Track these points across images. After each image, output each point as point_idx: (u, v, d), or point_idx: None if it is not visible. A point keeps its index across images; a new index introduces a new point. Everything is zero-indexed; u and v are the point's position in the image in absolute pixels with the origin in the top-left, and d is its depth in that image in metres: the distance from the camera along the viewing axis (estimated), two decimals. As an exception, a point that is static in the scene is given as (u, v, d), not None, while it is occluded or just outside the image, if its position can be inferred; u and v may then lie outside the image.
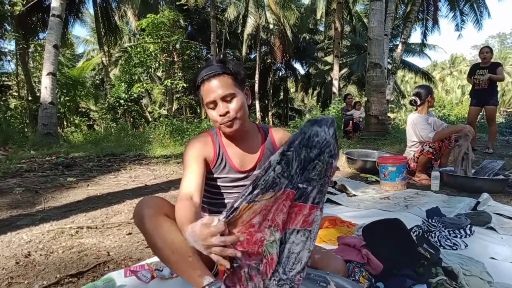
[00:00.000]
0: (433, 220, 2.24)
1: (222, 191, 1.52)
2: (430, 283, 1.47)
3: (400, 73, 31.06)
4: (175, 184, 3.47)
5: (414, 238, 1.75)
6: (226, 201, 1.52)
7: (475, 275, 1.57)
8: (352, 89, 25.90)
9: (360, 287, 1.24)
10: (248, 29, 20.48)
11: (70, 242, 2.04)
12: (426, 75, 23.29)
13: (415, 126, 3.72)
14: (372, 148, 6.13)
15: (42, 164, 4.86)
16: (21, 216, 2.53)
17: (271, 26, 21.24)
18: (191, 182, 1.36)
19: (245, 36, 20.94)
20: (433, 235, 2.03)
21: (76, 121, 15.28)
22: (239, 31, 22.71)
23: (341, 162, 4.58)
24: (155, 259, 1.77)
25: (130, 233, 2.19)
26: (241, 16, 21.64)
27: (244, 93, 1.43)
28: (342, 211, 2.67)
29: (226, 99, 1.35)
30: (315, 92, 28.00)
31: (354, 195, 3.16)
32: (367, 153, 4.77)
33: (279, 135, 1.57)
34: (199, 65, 16.74)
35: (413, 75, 30.25)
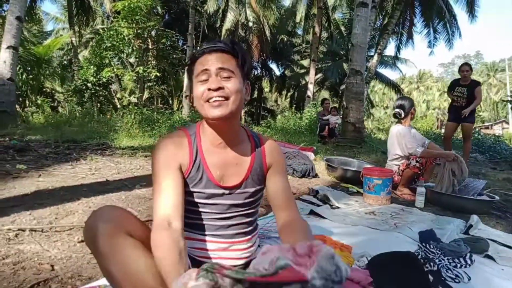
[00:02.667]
0: (431, 246, 2.03)
1: (198, 209, 1.20)
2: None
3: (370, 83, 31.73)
4: (141, 181, 3.09)
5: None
6: (204, 222, 1.20)
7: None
8: (325, 94, 26.14)
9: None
10: (227, 24, 20.12)
11: (6, 249, 1.65)
12: (395, 87, 23.85)
13: (402, 138, 3.55)
14: (348, 155, 5.98)
15: (-9, 146, 4.32)
16: None
17: (250, 24, 21.00)
18: (167, 201, 1.06)
19: (224, 31, 20.54)
20: (432, 263, 1.81)
21: (39, 101, 14.29)
22: (217, 25, 22.28)
23: (321, 169, 4.36)
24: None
25: (82, 241, 1.82)
26: (220, 11, 21.24)
27: (244, 86, 1.16)
28: (328, 226, 2.42)
29: (223, 74, 1.09)
30: (289, 94, 28.02)
31: (337, 207, 2.93)
32: (346, 161, 4.58)
33: (270, 147, 1.29)
34: (174, 55, 16.24)
35: (381, 86, 31.06)
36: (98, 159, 3.96)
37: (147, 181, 3.08)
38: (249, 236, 1.27)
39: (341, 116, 8.66)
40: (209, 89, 1.07)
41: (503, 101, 30.76)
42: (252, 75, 27.17)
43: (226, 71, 1.09)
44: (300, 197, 3.08)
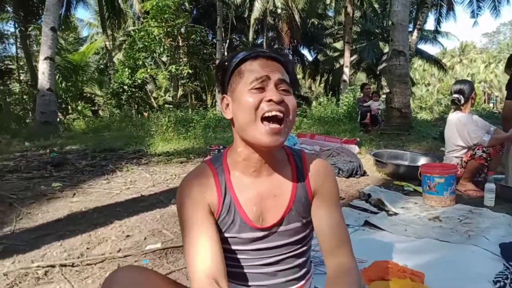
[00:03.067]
0: (519, 265, 1.67)
1: (236, 256, 0.94)
2: None
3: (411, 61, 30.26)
4: (175, 194, 2.92)
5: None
6: (245, 270, 0.95)
7: None
8: (362, 76, 25.28)
9: None
10: (255, 13, 19.83)
11: (33, 292, 1.51)
12: (437, 62, 22.53)
13: (463, 127, 3.11)
14: (396, 145, 5.55)
15: (31, 161, 4.36)
16: (-19, 243, 2.00)
17: (279, 11, 20.58)
18: (206, 255, 0.82)
19: (252, 20, 20.29)
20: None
21: (79, 107, 14.75)
22: (245, 15, 22.02)
23: (369, 165, 4.00)
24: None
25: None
26: (248, 0, 20.88)
27: None
28: (388, 240, 2.10)
29: (282, 87, 0.87)
30: (323, 79, 27.28)
31: (395, 213, 2.60)
32: (397, 154, 4.18)
33: (316, 168, 0.99)
34: (204, 51, 16.18)
35: (421, 62, 29.45)
36: (133, 169, 3.86)
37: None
38: (303, 282, 1.00)
39: (383, 101, 8.14)
40: (269, 100, 0.84)
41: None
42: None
43: (285, 84, 0.88)
44: (350, 203, 2.76)
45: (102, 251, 1.91)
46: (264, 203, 0.93)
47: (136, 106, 13.76)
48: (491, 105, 30.70)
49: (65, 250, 1.90)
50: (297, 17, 20.65)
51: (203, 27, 15.47)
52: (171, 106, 12.26)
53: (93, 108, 17.57)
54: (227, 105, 0.91)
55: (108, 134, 7.61)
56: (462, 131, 3.13)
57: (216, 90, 14.21)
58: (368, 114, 7.86)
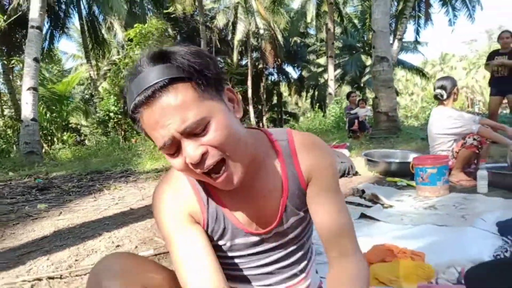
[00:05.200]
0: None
1: (234, 261, 0.85)
2: None
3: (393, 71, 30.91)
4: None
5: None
6: (245, 273, 0.86)
7: None
8: (346, 89, 25.62)
9: None
10: (238, 35, 20.19)
11: (17, 305, 1.42)
12: (420, 71, 23.07)
13: (450, 119, 3.13)
14: (385, 147, 5.56)
15: (16, 187, 4.23)
16: (-37, 264, 1.89)
17: (261, 31, 20.99)
18: (200, 269, 0.73)
19: (236, 42, 20.63)
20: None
21: (64, 137, 14.58)
22: (229, 37, 22.39)
23: (359, 165, 3.98)
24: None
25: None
26: (230, 23, 21.32)
27: (224, 102, 0.71)
28: (384, 229, 2.06)
29: (193, 131, 0.65)
30: (309, 95, 27.66)
31: (390, 206, 2.56)
32: (388, 154, 4.18)
33: (303, 148, 0.83)
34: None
35: (404, 72, 30.10)
36: (121, 187, 3.77)
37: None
38: (304, 274, 0.92)
39: (370, 108, 8.23)
40: (192, 164, 0.67)
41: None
42: (269, 81, 27.07)
43: (193, 124, 0.64)
44: (345, 200, 2.72)
45: (91, 262, 1.82)
46: (255, 204, 0.82)
47: (123, 132, 13.67)
48: (476, 108, 31.35)
49: (52, 264, 1.81)
50: (279, 36, 21.08)
51: (187, 52, 15.61)
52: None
53: (79, 139, 17.38)
54: None
55: (95, 160, 7.49)
56: (447, 123, 3.15)
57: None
58: (356, 121, 7.92)
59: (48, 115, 13.20)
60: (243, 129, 0.73)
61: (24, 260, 1.87)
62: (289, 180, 0.82)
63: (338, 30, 21.61)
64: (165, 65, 0.64)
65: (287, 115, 29.25)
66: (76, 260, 1.85)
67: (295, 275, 0.90)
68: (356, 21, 20.95)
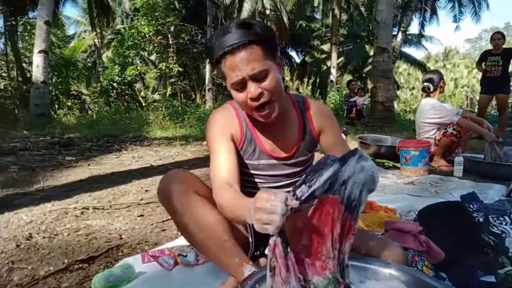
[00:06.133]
0: (474, 206, 2.05)
1: (254, 179, 1.25)
2: (498, 274, 1.29)
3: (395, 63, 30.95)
4: (183, 165, 3.24)
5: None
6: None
7: (543, 266, 1.40)
8: (348, 78, 25.65)
9: (436, 280, 1.04)
10: (244, 14, 20.03)
11: (76, 223, 1.81)
12: (421, 66, 23.11)
13: (433, 109, 3.53)
14: (380, 134, 5.95)
15: (37, 143, 4.59)
16: (18, 195, 2.29)
17: (267, 12, 20.84)
18: (225, 166, 1.10)
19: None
20: (480, 213, 1.85)
21: (69, 103, 14.82)
22: (235, 15, 22.22)
23: (353, 147, 4.38)
24: (176, 243, 1.57)
25: (141, 215, 1.97)
26: (237, 1, 21.15)
27: (277, 65, 1.09)
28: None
29: (258, 77, 1.03)
30: (311, 81, 27.70)
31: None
32: (380, 138, 4.58)
33: (316, 110, 1.25)
34: (194, 50, 16.40)
35: (406, 66, 30.15)
36: (138, 149, 4.15)
37: (189, 165, 3.23)
38: None
39: (368, 97, 8.58)
40: (251, 98, 1.05)
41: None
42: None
43: (259, 72, 1.02)
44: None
45: (126, 200, 2.23)
46: (276, 141, 1.19)
47: (125, 103, 13.90)
48: (476, 109, 31.51)
49: (94, 199, 2.21)
50: (285, 18, 20.98)
51: (193, 26, 15.70)
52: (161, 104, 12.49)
53: (86, 106, 17.58)
54: (225, 78, 1.09)
55: (103, 126, 7.80)
56: (432, 113, 3.54)
57: (206, 89, 14.47)
58: (354, 108, 8.30)
59: (54, 80, 13.37)
60: (283, 86, 1.12)
61: (70, 195, 2.27)
62: (304, 128, 1.22)
63: (344, 17, 21.62)
64: (247, 31, 1.01)
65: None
66: (113, 198, 2.25)
67: None
68: (362, 9, 20.89)
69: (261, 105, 1.06)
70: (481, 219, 1.72)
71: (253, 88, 1.03)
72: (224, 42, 1.02)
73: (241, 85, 1.04)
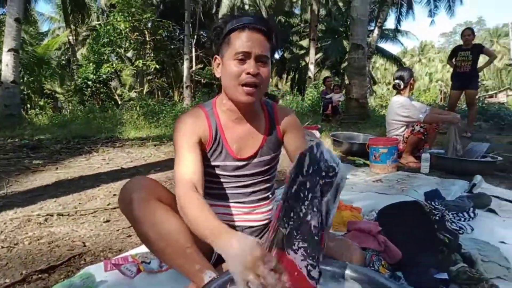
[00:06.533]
0: (436, 203, 2.12)
1: (220, 180, 1.28)
2: (450, 271, 1.34)
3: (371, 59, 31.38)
4: (154, 167, 3.21)
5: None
6: (226, 192, 1.30)
7: (494, 261, 1.47)
8: (326, 74, 25.89)
9: (390, 280, 1.08)
10: (223, 9, 19.92)
11: (39, 231, 1.78)
12: (397, 61, 23.51)
13: (401, 107, 3.62)
14: (353, 131, 6.05)
15: (4, 146, 4.45)
16: (-22, 203, 2.22)
17: (246, 7, 20.77)
18: (190, 169, 1.13)
19: (220, 17, 20.32)
20: (436, 212, 1.91)
21: (41, 103, 14.41)
22: (213, 11, 22.05)
23: (327, 145, 4.44)
24: (140, 250, 1.56)
25: (107, 221, 1.95)
26: (215, -4, 21.00)
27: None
28: (337, 194, 2.52)
29: (261, 60, 1.12)
30: (289, 77, 27.82)
31: (346, 178, 3.02)
32: (352, 136, 4.67)
33: (283, 113, 1.32)
34: (172, 46, 16.19)
35: (383, 61, 30.63)
36: (109, 150, 4.08)
37: (160, 166, 3.20)
38: (268, 200, 1.36)
39: (344, 94, 8.69)
40: (247, 73, 1.11)
41: (507, 65, 30.35)
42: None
43: (264, 57, 1.12)
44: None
45: (93, 205, 2.19)
46: (243, 142, 1.24)
47: (100, 102, 13.61)
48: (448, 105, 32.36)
49: (59, 205, 2.17)
50: (264, 14, 20.97)
51: (170, 22, 15.49)
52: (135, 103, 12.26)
53: (59, 105, 17.14)
54: (218, 65, 1.19)
55: (75, 126, 7.63)
56: (400, 111, 3.63)
57: (184, 86, 14.32)
58: (329, 105, 8.40)
59: (25, 78, 12.97)
60: None
61: (35, 201, 2.22)
62: (269, 130, 1.28)
63: (322, 12, 21.77)
64: (268, 24, 1.14)
65: (266, 97, 29.20)
66: (79, 203, 2.22)
67: (262, 199, 1.34)
68: (341, 3, 21.03)
69: (250, 83, 1.12)
70: (437, 218, 1.78)
71: (253, 65, 1.11)
72: (245, 20, 1.12)
73: (244, 58, 1.11)
